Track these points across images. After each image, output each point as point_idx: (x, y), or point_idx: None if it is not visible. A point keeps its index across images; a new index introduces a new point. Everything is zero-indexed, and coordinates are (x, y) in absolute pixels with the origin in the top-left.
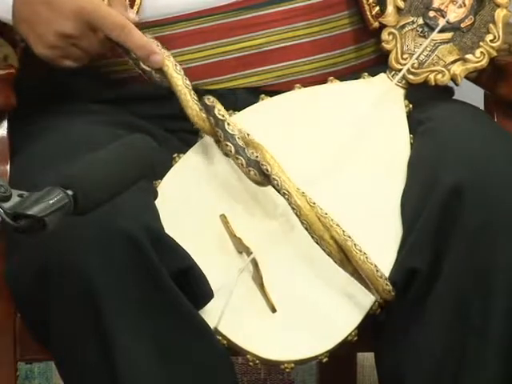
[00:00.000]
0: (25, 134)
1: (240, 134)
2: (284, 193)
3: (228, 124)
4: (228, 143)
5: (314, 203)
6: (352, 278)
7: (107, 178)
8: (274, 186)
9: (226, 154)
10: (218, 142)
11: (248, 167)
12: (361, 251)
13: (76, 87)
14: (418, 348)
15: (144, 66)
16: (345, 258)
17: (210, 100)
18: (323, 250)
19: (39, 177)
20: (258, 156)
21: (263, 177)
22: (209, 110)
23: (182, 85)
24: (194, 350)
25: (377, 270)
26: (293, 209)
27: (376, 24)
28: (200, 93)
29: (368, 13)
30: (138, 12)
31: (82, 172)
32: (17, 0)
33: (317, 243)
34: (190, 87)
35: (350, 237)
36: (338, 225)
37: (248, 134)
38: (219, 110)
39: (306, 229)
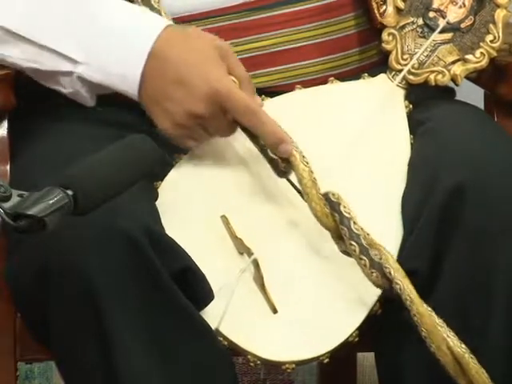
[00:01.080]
0: (25, 134)
1: (363, 233)
2: (406, 298)
3: (354, 223)
4: (353, 242)
5: (431, 310)
6: None
7: (107, 178)
8: (395, 290)
9: (346, 253)
10: (338, 238)
11: (371, 269)
12: (476, 364)
13: None
14: (418, 348)
15: (271, 154)
16: (459, 368)
17: (334, 196)
18: (438, 359)
19: (39, 177)
20: (381, 258)
21: (385, 280)
22: (333, 206)
23: (307, 178)
24: (194, 350)
25: None
26: (414, 316)
27: None
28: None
29: (376, 11)
30: None
31: (82, 172)
32: (147, 76)
33: (433, 352)
34: (316, 181)
35: (466, 349)
36: (454, 335)
37: (368, 234)
38: (345, 207)
39: (425, 337)
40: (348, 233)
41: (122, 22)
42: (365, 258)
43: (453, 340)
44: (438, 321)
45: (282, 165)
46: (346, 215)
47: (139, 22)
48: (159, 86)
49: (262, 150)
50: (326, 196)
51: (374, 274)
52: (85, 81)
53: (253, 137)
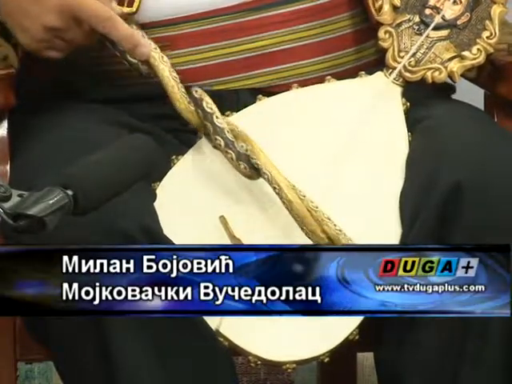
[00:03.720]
0: (25, 134)
1: (229, 126)
2: (274, 187)
3: (217, 117)
4: (217, 137)
5: (305, 196)
6: None
7: (107, 179)
8: (264, 180)
9: (216, 148)
10: (207, 135)
11: (238, 161)
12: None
13: (76, 87)
14: (418, 348)
15: (131, 58)
16: None
17: (197, 92)
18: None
19: (39, 177)
20: (247, 149)
21: (253, 170)
22: (197, 102)
23: (168, 76)
24: (195, 351)
25: None
26: (283, 203)
27: None
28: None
29: (372, 8)
30: (137, 11)
31: (81, 172)
32: None
33: (309, 237)
34: (178, 79)
35: (341, 230)
36: (329, 218)
37: (237, 127)
38: (207, 102)
39: (298, 223)
40: (212, 128)
41: None
42: (231, 151)
43: (327, 223)
44: (312, 205)
45: (144, 67)
46: (209, 110)
47: None
48: (15, 2)
49: (123, 55)
50: (189, 93)
51: (242, 166)
52: None
53: (112, 43)
